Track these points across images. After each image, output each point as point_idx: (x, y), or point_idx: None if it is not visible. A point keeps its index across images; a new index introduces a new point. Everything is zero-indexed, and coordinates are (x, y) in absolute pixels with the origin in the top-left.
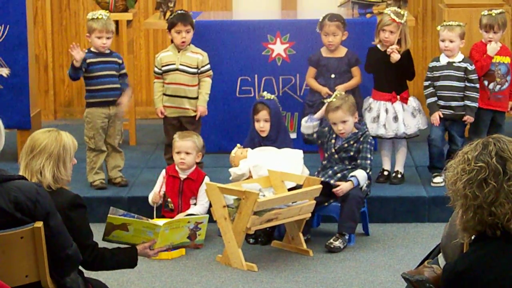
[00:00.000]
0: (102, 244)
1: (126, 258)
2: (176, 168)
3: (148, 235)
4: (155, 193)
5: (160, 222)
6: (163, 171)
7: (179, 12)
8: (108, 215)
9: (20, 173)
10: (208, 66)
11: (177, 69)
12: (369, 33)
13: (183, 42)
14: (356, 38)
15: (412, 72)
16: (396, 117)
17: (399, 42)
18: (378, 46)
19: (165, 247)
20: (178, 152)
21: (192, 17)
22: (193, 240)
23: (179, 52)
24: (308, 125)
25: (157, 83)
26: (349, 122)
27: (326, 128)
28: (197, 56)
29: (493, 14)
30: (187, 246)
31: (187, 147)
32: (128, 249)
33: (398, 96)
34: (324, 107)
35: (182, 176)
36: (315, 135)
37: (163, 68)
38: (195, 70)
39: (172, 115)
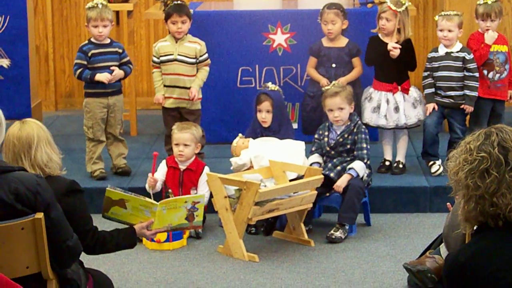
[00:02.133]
0: (101, 223)
1: (125, 239)
2: (176, 159)
3: (145, 215)
4: (149, 178)
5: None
6: (163, 161)
7: (176, 2)
8: (107, 189)
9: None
10: (206, 55)
11: (175, 60)
12: (370, 23)
13: (178, 32)
14: (357, 28)
15: (414, 63)
16: (397, 107)
17: (398, 32)
18: (379, 35)
19: (164, 228)
20: (176, 144)
21: (190, 7)
22: (191, 221)
23: (176, 42)
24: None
25: (157, 72)
26: (345, 110)
27: (316, 135)
28: (195, 46)
29: (489, 2)
30: (186, 228)
31: (185, 139)
32: (127, 230)
33: (399, 87)
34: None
35: (182, 167)
36: (323, 158)
37: (161, 58)
38: (193, 60)
39: (171, 105)
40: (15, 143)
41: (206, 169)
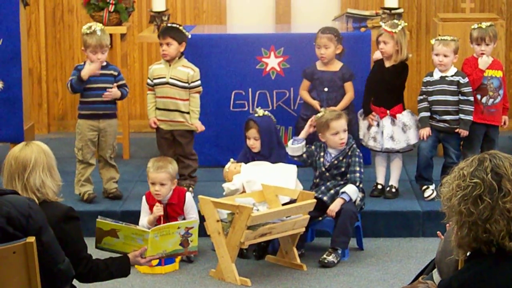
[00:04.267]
0: (94, 252)
1: (119, 268)
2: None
3: (138, 243)
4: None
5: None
6: (143, 199)
7: (168, 25)
8: (97, 220)
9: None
10: (198, 82)
11: (167, 83)
12: (363, 46)
13: (163, 55)
14: (350, 51)
15: (399, 86)
16: (383, 132)
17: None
18: (383, 59)
19: (158, 255)
20: (152, 183)
21: (186, 30)
22: (186, 247)
23: (170, 65)
24: (296, 146)
25: (150, 95)
26: (346, 132)
27: (313, 147)
28: (188, 71)
29: (484, 27)
30: (181, 254)
31: (161, 179)
32: (121, 259)
33: (388, 111)
34: (307, 127)
35: (164, 202)
36: (304, 155)
37: (155, 81)
38: (185, 84)
39: (165, 128)
40: (12, 164)
41: (188, 195)
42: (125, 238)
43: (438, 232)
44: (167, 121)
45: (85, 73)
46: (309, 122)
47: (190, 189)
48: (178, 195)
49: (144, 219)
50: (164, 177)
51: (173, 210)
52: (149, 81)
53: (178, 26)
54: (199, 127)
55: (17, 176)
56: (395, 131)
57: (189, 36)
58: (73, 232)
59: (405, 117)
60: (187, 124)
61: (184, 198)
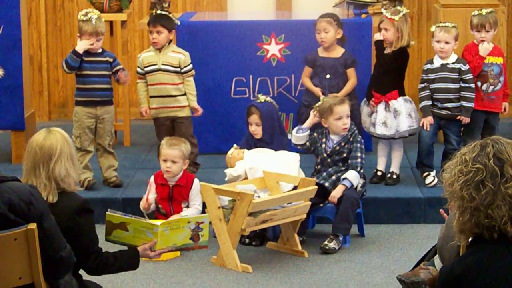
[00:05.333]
0: (104, 245)
1: (128, 261)
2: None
3: (148, 236)
4: (143, 201)
5: (158, 222)
6: (152, 178)
7: (158, 12)
8: (107, 213)
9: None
10: (190, 65)
11: (159, 69)
12: (364, 33)
13: (153, 43)
14: (350, 38)
15: (396, 74)
16: (376, 117)
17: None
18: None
19: (168, 249)
20: (164, 160)
21: (184, 18)
22: (196, 241)
23: (160, 52)
24: (301, 135)
25: (141, 83)
26: (349, 118)
27: (315, 134)
28: (179, 56)
29: (484, 13)
30: (192, 248)
31: (173, 156)
32: (130, 252)
33: (383, 97)
34: (311, 117)
35: (171, 183)
36: (307, 143)
37: (146, 69)
38: (177, 69)
39: (162, 115)
40: (37, 152)
41: (196, 181)
42: (134, 231)
43: (441, 210)
44: (164, 108)
45: (79, 47)
46: (312, 112)
47: None
48: (187, 179)
49: (149, 197)
50: (176, 154)
51: (178, 193)
52: (139, 69)
53: (168, 13)
54: (198, 109)
55: (42, 165)
56: (388, 117)
57: (178, 23)
58: (86, 225)
59: (398, 103)
60: (184, 104)
61: (191, 183)
